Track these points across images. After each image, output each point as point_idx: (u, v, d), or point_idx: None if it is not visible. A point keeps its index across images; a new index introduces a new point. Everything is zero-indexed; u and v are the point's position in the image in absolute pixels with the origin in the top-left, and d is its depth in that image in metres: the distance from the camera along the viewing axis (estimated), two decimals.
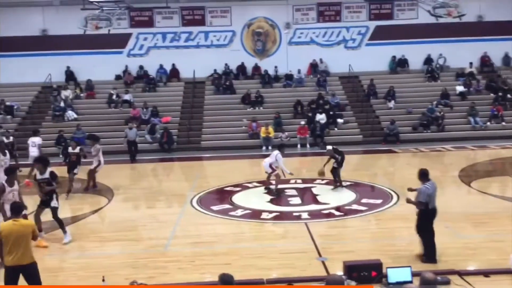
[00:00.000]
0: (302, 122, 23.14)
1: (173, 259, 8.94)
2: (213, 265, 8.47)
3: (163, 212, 12.62)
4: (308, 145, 22.72)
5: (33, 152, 16.59)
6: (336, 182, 14.02)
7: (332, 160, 14.12)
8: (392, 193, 13.28)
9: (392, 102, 24.96)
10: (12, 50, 26.16)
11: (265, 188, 14.09)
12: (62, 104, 24.68)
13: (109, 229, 11.08)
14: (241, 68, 27.37)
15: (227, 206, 12.59)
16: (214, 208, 12.44)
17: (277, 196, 13.39)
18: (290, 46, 27.42)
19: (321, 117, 23.58)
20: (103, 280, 7.22)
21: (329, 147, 14.62)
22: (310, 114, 23.96)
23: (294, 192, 13.87)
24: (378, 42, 27.16)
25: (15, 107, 24.91)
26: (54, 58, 26.28)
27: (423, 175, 8.48)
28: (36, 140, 17.64)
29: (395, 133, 22.89)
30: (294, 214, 11.75)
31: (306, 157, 20.81)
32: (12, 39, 26.05)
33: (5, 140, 17.58)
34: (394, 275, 7.19)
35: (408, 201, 8.74)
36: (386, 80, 26.60)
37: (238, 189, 14.34)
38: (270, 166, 13.86)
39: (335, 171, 13.98)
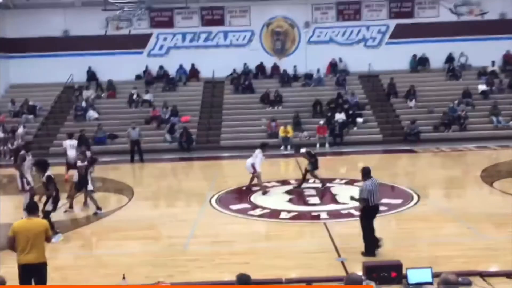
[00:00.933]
0: (321, 122, 23.05)
1: (193, 258, 9.00)
2: (231, 264, 8.50)
3: (183, 211, 12.71)
4: (327, 145, 22.62)
5: (72, 154, 16.60)
6: (301, 183, 14.24)
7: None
8: (413, 193, 13.15)
9: (413, 101, 24.69)
10: (35, 50, 26.62)
11: (294, 188, 14.10)
12: (83, 104, 25.02)
13: (130, 227, 11.19)
14: (260, 67, 27.37)
15: (246, 205, 12.62)
16: (233, 207, 12.48)
17: (264, 195, 13.53)
18: (309, 45, 27.33)
19: (340, 117, 23.46)
20: (124, 278, 7.30)
21: (303, 150, 14.80)
22: (329, 114, 23.86)
23: (313, 191, 13.82)
24: (398, 40, 26.88)
25: (38, 107, 25.34)
26: (75, 59, 26.65)
27: (365, 173, 8.77)
28: (73, 142, 17.67)
29: (415, 133, 22.65)
30: (313, 213, 11.72)
31: (325, 157, 20.69)
32: (34, 40, 26.50)
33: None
34: (414, 276, 7.12)
35: (352, 198, 9.07)
36: (406, 79, 26.31)
37: (257, 188, 14.35)
38: (252, 166, 13.92)
39: (306, 173, 14.21)
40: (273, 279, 7.61)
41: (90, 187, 12.53)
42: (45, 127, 24.27)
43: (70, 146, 17.21)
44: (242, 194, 13.86)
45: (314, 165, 14.16)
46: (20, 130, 23.20)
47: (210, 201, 13.11)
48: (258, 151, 14.15)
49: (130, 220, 11.75)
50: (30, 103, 25.17)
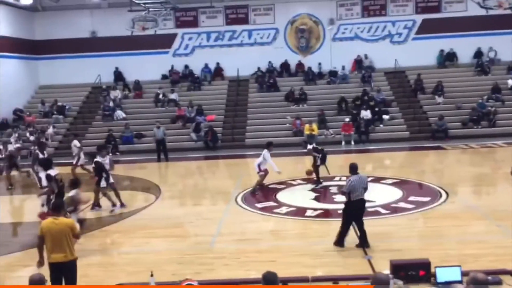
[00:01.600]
0: (347, 119, 22.89)
1: (219, 255, 9.06)
2: (258, 262, 8.53)
3: (209, 210, 12.79)
4: (352, 142, 22.46)
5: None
6: (318, 180, 14.20)
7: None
8: (441, 191, 12.95)
9: (441, 97, 24.29)
10: (63, 52, 27.18)
11: (312, 185, 14.07)
12: (111, 104, 25.42)
13: (157, 225, 11.33)
14: (285, 65, 27.33)
15: (271, 203, 12.63)
16: (259, 205, 12.51)
17: (253, 193, 13.52)
18: (334, 42, 27.15)
19: (366, 114, 23.25)
20: (152, 276, 7.40)
21: (309, 146, 14.97)
22: (354, 111, 23.68)
23: (339, 190, 13.71)
24: (425, 36, 26.48)
25: (67, 107, 25.85)
26: (103, 59, 27.10)
27: (351, 169, 9.18)
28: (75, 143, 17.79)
29: (443, 129, 22.29)
30: (339, 211, 11.62)
31: (351, 154, 20.57)
32: (63, 41, 27.06)
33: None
34: (443, 274, 7.02)
35: (338, 189, 9.61)
36: (434, 74, 25.91)
37: (282, 186, 14.35)
38: (258, 166, 13.91)
39: (317, 169, 14.19)
40: (299, 277, 7.60)
41: (103, 184, 12.59)
42: (74, 127, 24.73)
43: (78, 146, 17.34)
44: (268, 192, 13.87)
45: (323, 160, 14.26)
46: (50, 130, 23.76)
47: (235, 199, 13.17)
48: (264, 151, 14.13)
49: (157, 218, 11.89)
50: (59, 103, 25.69)
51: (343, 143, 22.37)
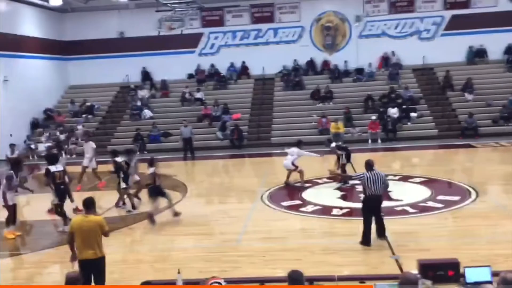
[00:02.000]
0: (373, 117, 22.66)
1: (245, 253, 9.09)
2: (284, 260, 8.53)
3: (235, 208, 12.85)
4: (379, 140, 22.23)
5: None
6: (344, 179, 13.89)
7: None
8: (471, 189, 12.70)
9: (471, 94, 23.81)
10: (92, 52, 27.69)
11: (338, 184, 13.98)
12: (139, 103, 25.76)
13: (183, 223, 11.43)
14: (310, 63, 27.22)
15: (297, 202, 12.61)
16: (285, 204, 12.50)
17: (304, 190, 13.52)
18: (361, 40, 26.90)
19: (393, 112, 22.98)
20: (179, 273, 7.48)
21: (333, 145, 15.07)
22: (381, 109, 23.42)
23: None
24: (454, 32, 26.00)
25: (96, 106, 26.32)
26: (131, 59, 27.50)
27: (367, 165, 9.23)
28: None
29: (473, 127, 21.85)
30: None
31: (378, 153, 20.35)
32: (91, 42, 27.56)
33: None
34: (473, 274, 6.89)
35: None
36: (463, 71, 25.42)
37: (308, 185, 14.30)
38: (293, 163, 13.98)
39: (343, 168, 14.13)
40: (325, 276, 7.56)
41: (123, 185, 12.66)
42: (103, 126, 25.17)
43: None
44: (294, 190, 13.85)
45: (347, 158, 14.24)
46: (79, 129, 24.23)
47: (261, 197, 13.19)
48: (294, 149, 14.19)
49: (183, 216, 11.98)
50: (88, 103, 26.17)
51: (369, 141, 22.16)
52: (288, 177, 14.23)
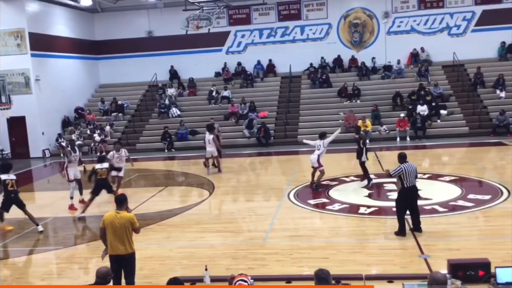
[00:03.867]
0: (402, 115, 22.35)
1: (272, 251, 9.11)
2: (310, 258, 8.53)
3: (261, 205, 12.89)
4: (408, 138, 21.92)
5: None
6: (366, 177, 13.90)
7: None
8: (502, 188, 12.43)
9: (503, 91, 23.24)
10: (122, 52, 28.14)
11: (362, 182, 13.87)
12: (167, 101, 26.04)
13: (211, 220, 11.54)
14: (338, 61, 27.02)
15: (324, 200, 12.57)
16: (311, 202, 12.48)
17: (316, 190, 13.38)
18: (389, 36, 26.56)
19: (422, 109, 22.62)
20: (206, 269, 7.56)
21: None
22: (410, 106, 23.09)
23: (393, 186, 13.44)
24: (485, 27, 25.39)
25: (125, 105, 26.72)
26: (159, 58, 27.83)
27: (401, 157, 9.65)
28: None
29: (505, 124, 21.34)
30: (394, 209, 11.40)
31: (406, 151, 20.00)
32: (121, 41, 28.01)
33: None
34: (504, 275, 6.75)
35: (388, 172, 9.74)
36: (494, 67, 24.82)
37: (335, 183, 14.24)
38: (318, 160, 13.74)
39: (363, 165, 13.93)
40: (353, 275, 7.53)
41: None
42: (132, 124, 25.54)
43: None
44: (320, 188, 13.79)
45: (360, 154, 13.98)
46: (108, 127, 24.66)
47: (288, 195, 13.19)
48: (318, 141, 13.99)
49: (211, 214, 12.12)
50: (118, 102, 26.58)
51: (398, 139, 21.87)
52: (313, 176, 14.09)
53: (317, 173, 13.88)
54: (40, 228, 11.19)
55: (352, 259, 8.47)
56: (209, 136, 16.70)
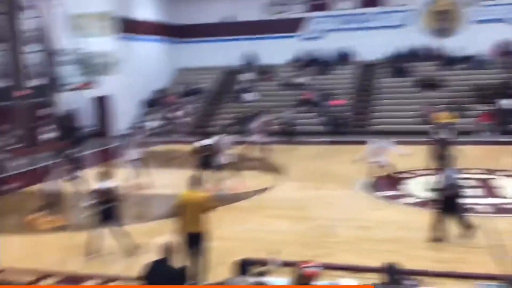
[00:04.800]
0: (485, 108, 21.23)
1: (339, 240, 9.10)
2: (378, 251, 8.43)
3: (331, 194, 12.84)
4: (489, 133, 20.81)
5: None
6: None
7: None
8: None
9: None
10: (201, 36, 28.79)
11: None
12: (241, 86, 26.39)
13: (280, 206, 11.67)
14: (419, 49, 26.06)
15: (397, 192, 12.31)
16: (383, 193, 12.27)
17: (405, 180, 13.02)
18: (476, 25, 25.17)
19: (508, 102, 21.35)
20: (274, 254, 7.69)
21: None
22: (494, 99, 21.87)
23: (474, 183, 12.89)
24: None
25: (202, 88, 27.39)
26: (236, 43, 28.18)
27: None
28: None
29: None
30: (473, 206, 10.97)
31: (490, 146, 19.10)
32: (201, 25, 28.66)
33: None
34: None
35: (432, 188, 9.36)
36: None
37: (410, 175, 13.88)
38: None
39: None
40: (420, 270, 7.37)
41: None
42: (207, 107, 26.17)
43: None
44: (393, 180, 13.52)
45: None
46: (184, 110, 25.45)
47: (359, 185, 13.04)
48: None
49: (280, 199, 12.25)
50: (195, 85, 27.29)
51: (479, 133, 20.84)
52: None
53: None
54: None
55: (421, 254, 8.29)
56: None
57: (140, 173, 13.84)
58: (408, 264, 7.41)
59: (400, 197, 11.86)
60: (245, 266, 5.48)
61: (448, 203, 8.86)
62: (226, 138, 12.93)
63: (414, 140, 19.49)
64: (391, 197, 11.87)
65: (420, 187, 12.76)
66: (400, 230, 9.77)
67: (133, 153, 13.82)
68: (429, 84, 23.84)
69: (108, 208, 8.72)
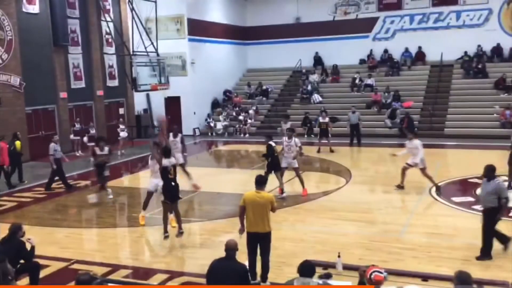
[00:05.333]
0: None
1: (408, 246, 8.82)
2: (450, 259, 8.10)
3: (400, 198, 12.48)
4: None
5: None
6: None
7: None
8: None
9: None
10: (269, 37, 28.97)
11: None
12: (309, 87, 26.29)
13: (346, 208, 11.49)
14: (497, 49, 24.79)
15: (470, 198, 11.76)
16: (455, 199, 11.76)
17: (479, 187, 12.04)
18: None
19: None
20: (339, 257, 7.61)
21: None
22: None
23: None
24: None
25: (270, 90, 27.57)
26: (304, 44, 28.12)
27: (492, 171, 8.26)
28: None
29: None
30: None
31: None
32: (269, 27, 28.85)
33: None
34: None
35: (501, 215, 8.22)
36: None
37: (481, 181, 13.17)
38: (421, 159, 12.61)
39: None
40: (497, 281, 7.00)
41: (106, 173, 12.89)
42: (275, 108, 26.28)
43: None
44: (466, 186, 12.94)
45: None
46: (251, 111, 25.69)
47: (429, 190, 12.58)
48: (417, 141, 13.01)
49: (346, 202, 12.05)
50: (264, 86, 27.51)
51: None
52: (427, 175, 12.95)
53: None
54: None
55: (497, 264, 7.86)
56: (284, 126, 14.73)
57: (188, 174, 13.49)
58: (482, 273, 7.08)
59: (473, 203, 11.30)
60: (309, 268, 5.42)
61: None
62: (294, 140, 12.78)
63: (492, 145, 18.57)
64: (463, 204, 11.35)
65: None
66: (472, 238, 9.30)
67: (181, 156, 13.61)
68: (509, 86, 22.57)
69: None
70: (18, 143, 15.25)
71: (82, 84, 22.00)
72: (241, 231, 7.40)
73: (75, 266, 8.38)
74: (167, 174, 9.13)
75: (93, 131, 19.51)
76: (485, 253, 8.14)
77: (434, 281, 7.24)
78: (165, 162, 9.13)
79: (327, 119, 19.30)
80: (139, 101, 25.34)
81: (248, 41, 29.82)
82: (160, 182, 9.78)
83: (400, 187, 12.97)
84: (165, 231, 9.38)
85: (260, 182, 7.42)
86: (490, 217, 8.20)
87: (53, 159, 13.81)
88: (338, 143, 20.67)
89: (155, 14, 20.19)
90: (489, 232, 8.24)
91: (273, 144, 12.52)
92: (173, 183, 9.22)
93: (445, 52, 24.99)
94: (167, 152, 9.32)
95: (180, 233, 9.32)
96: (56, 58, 20.36)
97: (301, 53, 27.88)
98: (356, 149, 20.17)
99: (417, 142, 12.99)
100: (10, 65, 18.34)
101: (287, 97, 27.12)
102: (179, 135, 14.05)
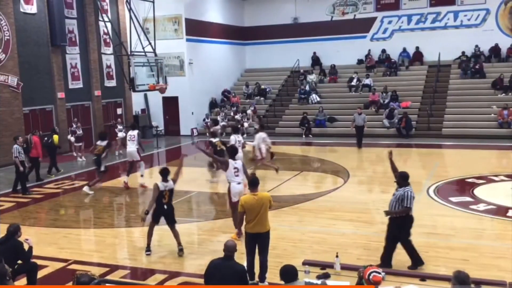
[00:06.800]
0: None
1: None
2: (448, 259, 8.11)
3: None
4: None
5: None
6: None
7: None
8: None
9: None
10: (267, 38, 28.98)
11: None
12: (307, 87, 26.30)
13: (344, 208, 11.50)
14: (494, 49, 24.83)
15: (467, 198, 11.79)
16: (453, 199, 11.78)
17: (476, 187, 12.33)
18: None
19: None
20: (337, 257, 7.61)
21: None
22: None
23: None
24: None
25: (268, 90, 27.56)
26: (302, 45, 28.14)
27: (405, 178, 8.10)
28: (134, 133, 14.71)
29: None
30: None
31: None
32: (267, 27, 28.86)
33: None
34: None
35: (389, 213, 7.95)
36: None
37: (481, 181, 13.24)
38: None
39: None
40: (495, 281, 7.01)
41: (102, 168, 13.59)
42: (273, 108, 26.29)
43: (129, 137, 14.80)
44: (464, 186, 12.96)
45: None
46: (249, 111, 25.67)
47: (427, 190, 12.60)
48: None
49: (344, 202, 12.05)
50: (262, 86, 27.50)
51: None
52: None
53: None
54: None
55: (495, 264, 7.86)
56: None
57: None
58: (480, 273, 7.09)
59: (472, 203, 11.33)
60: (290, 273, 5.32)
61: None
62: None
63: (490, 145, 18.63)
64: (462, 204, 11.37)
65: (492, 193, 12.15)
66: (471, 238, 9.33)
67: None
68: (506, 86, 22.62)
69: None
70: (56, 136, 16.52)
71: (80, 84, 21.98)
72: (238, 235, 7.40)
73: (73, 266, 8.36)
74: (161, 199, 8.73)
75: (80, 132, 19.50)
76: (385, 261, 7.80)
77: (432, 281, 7.24)
78: (161, 185, 8.75)
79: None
80: (137, 101, 25.33)
81: (246, 41, 29.81)
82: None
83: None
84: (148, 249, 8.92)
85: (255, 184, 7.43)
86: (397, 225, 7.92)
87: (19, 161, 13.46)
88: (337, 143, 20.72)
89: (153, 14, 20.15)
90: (393, 240, 7.88)
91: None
92: (165, 207, 8.75)
93: (442, 52, 25.02)
94: (164, 174, 8.84)
95: (180, 250, 8.81)
96: (53, 58, 20.33)
97: (299, 53, 27.89)
98: (355, 149, 20.17)
99: None
100: (8, 65, 18.30)
101: (285, 97, 27.11)
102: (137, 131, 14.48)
